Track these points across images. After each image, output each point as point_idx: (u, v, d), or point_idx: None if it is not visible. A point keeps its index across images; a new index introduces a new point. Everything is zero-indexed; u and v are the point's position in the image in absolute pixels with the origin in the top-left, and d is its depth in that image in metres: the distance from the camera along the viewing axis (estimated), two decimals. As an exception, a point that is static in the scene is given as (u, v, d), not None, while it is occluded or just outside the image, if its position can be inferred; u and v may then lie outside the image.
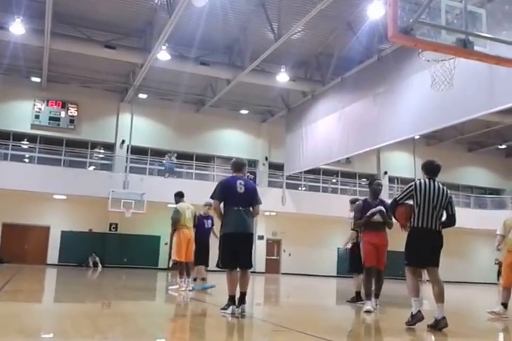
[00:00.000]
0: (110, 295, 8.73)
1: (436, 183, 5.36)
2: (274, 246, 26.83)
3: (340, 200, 26.26)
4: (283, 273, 25.96)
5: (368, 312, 6.51)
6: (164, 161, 23.89)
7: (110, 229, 23.28)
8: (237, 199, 5.77)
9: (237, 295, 5.67)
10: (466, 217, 28.92)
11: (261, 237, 25.92)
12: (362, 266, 7.10)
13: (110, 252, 22.76)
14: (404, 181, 29.31)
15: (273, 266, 26.31)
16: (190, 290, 8.87)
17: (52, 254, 22.39)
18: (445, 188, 5.39)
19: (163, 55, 18.40)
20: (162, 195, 18.89)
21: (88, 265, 22.06)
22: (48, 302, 7.37)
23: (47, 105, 23.12)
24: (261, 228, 25.69)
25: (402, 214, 5.33)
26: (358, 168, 28.53)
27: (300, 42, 19.60)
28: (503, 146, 30.11)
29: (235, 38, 19.69)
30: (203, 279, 8.92)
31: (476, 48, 4.78)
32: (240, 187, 5.79)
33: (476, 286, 22.93)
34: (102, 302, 7.45)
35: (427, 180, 5.37)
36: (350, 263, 8.19)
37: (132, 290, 10.06)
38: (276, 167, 26.05)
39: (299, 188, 27.17)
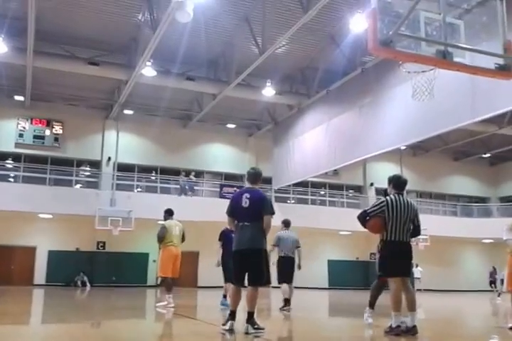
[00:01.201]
0: (98, 316, 8.59)
1: (404, 198, 5.66)
2: (264, 259, 26.65)
3: (329, 212, 26.43)
4: (273, 287, 25.77)
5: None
6: (180, 180, 23.73)
7: (98, 248, 23.02)
8: (241, 214, 5.58)
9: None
10: (453, 225, 29.18)
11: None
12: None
13: (98, 271, 22.46)
14: (391, 192, 29.43)
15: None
16: (222, 307, 8.75)
17: (39, 274, 22.03)
18: (411, 202, 5.72)
19: (148, 70, 18.42)
20: (150, 211, 18.78)
21: (76, 284, 21.73)
22: (35, 324, 7.23)
23: (31, 123, 22.94)
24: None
25: (375, 226, 5.61)
26: (345, 179, 28.62)
27: (285, 56, 19.76)
28: (488, 155, 30.44)
29: (219, 52, 19.79)
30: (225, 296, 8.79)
31: (456, 59, 4.83)
32: (245, 201, 5.56)
33: (466, 294, 22.91)
34: (89, 322, 7.32)
35: (396, 196, 5.66)
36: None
37: (121, 309, 9.91)
38: (264, 181, 25.83)
39: (288, 201, 27.15)
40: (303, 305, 13.06)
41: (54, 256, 22.33)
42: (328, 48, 18.92)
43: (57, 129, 23.29)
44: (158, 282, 10.71)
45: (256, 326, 5.35)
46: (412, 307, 5.45)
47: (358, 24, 15.51)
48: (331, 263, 27.70)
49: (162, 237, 9.05)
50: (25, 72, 18.66)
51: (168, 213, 9.45)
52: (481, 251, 28.78)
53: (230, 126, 26.23)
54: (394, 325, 5.36)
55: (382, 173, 29.47)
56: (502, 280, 26.44)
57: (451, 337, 5.63)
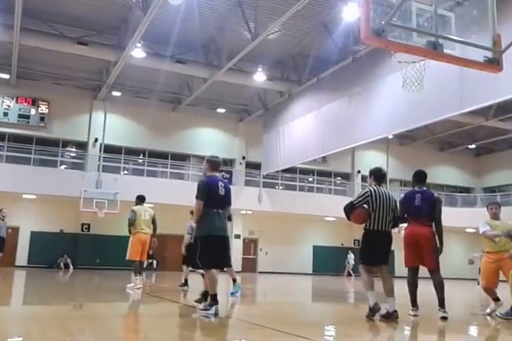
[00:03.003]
0: (80, 297, 8.63)
1: (384, 189, 5.96)
2: (250, 245, 26.87)
3: (316, 199, 26.60)
4: (260, 272, 26.01)
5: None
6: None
7: (82, 230, 22.96)
8: (217, 201, 5.76)
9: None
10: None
11: (237, 236, 25.92)
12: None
13: (82, 253, 22.43)
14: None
15: (250, 265, 26.34)
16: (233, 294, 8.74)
17: (22, 256, 21.91)
18: (391, 193, 6.00)
19: (137, 52, 18.23)
20: (136, 194, 18.72)
21: (59, 266, 21.69)
22: (16, 305, 7.25)
23: (16, 102, 22.58)
24: (237, 227, 25.68)
25: (359, 217, 5.80)
26: (333, 166, 28.76)
27: (277, 42, 19.65)
28: (473, 146, 30.76)
29: (211, 36, 19.61)
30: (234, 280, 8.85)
31: (446, 51, 4.86)
32: (221, 189, 5.80)
33: (448, 282, 23.28)
34: (71, 304, 7.36)
35: (377, 187, 5.93)
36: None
37: (103, 292, 9.95)
38: (253, 166, 26.05)
39: (276, 187, 27.25)
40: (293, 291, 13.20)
41: (37, 237, 22.23)
42: (320, 36, 18.84)
43: (43, 109, 22.97)
44: (144, 265, 10.78)
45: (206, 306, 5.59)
46: (390, 293, 5.73)
47: (351, 13, 15.47)
48: (316, 249, 27.96)
49: (133, 220, 9.47)
50: (12, 50, 18.31)
51: (140, 199, 9.84)
52: (464, 241, 29.18)
53: (220, 110, 26.12)
54: (371, 304, 5.64)
55: (369, 161, 29.63)
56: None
57: (429, 321, 5.76)
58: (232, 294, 8.54)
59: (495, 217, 7.17)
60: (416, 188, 6.30)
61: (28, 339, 3.85)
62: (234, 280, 8.65)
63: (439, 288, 5.94)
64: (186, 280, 10.15)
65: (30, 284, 11.94)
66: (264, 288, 14.52)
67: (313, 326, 5.48)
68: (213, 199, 5.71)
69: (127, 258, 9.83)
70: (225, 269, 5.95)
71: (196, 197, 5.74)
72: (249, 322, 5.51)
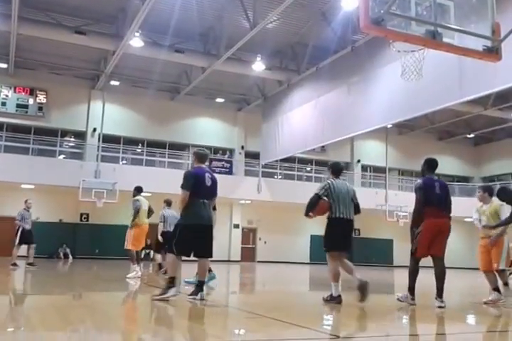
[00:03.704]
0: (80, 287, 8.67)
1: (342, 181, 6.41)
2: (249, 234, 26.96)
3: (315, 188, 26.57)
4: (259, 261, 26.12)
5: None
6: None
7: (81, 220, 23.00)
8: (204, 192, 5.91)
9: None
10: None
11: (236, 226, 26.02)
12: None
13: (81, 243, 22.50)
14: (376, 169, 29.71)
15: (248, 254, 26.45)
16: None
17: (22, 246, 21.92)
18: (349, 184, 6.50)
19: (136, 41, 18.13)
20: (135, 184, 18.73)
21: (58, 256, 21.75)
22: (16, 295, 7.27)
23: (14, 92, 22.51)
24: (236, 216, 25.75)
25: (322, 208, 6.20)
26: (332, 156, 28.69)
27: (275, 31, 19.54)
28: (472, 135, 30.74)
29: (210, 25, 19.50)
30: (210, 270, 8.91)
31: (445, 40, 4.85)
32: (208, 180, 5.95)
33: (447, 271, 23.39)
34: (71, 293, 7.39)
35: (335, 180, 6.34)
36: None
37: (102, 281, 10.00)
38: (252, 155, 26.05)
39: (275, 177, 27.27)
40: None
41: (36, 227, 21.97)
42: (319, 25, 18.73)
43: (41, 98, 22.90)
44: (142, 256, 10.92)
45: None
46: (351, 272, 6.14)
47: (350, 2, 15.38)
48: (314, 238, 28.04)
49: (138, 210, 9.76)
50: (9, 39, 18.24)
51: (137, 190, 10.08)
52: (463, 230, 29.28)
53: (219, 100, 26.05)
54: (335, 294, 6.00)
55: (368, 151, 29.73)
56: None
57: (428, 310, 5.81)
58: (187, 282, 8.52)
59: (483, 201, 7.16)
60: (430, 176, 6.29)
61: (28, 329, 3.87)
62: (209, 270, 8.46)
63: (441, 278, 5.97)
64: (160, 265, 10.96)
65: (30, 274, 12.00)
66: (262, 278, 14.60)
67: (312, 315, 5.52)
68: (200, 189, 5.86)
69: (128, 247, 9.98)
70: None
71: (182, 187, 5.86)
72: (248, 311, 5.55)
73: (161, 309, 5.44)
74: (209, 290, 7.68)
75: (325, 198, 6.16)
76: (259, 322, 4.61)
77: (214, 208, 6.59)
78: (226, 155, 26.24)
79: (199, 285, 5.85)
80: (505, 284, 7.34)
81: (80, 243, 22.49)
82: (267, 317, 4.82)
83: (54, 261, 19.31)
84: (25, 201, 13.00)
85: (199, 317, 5.05)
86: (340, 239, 6.16)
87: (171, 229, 10.07)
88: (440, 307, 5.83)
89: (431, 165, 6.43)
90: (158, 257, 11.29)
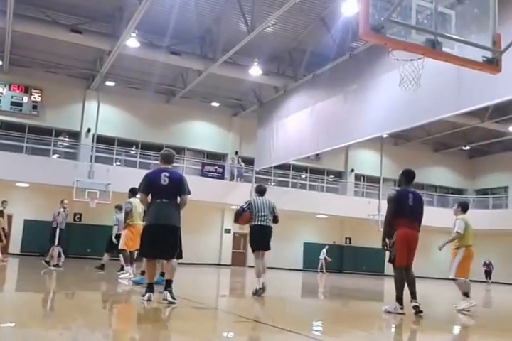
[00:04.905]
0: (72, 286, 8.60)
1: (263, 199, 7.97)
2: (240, 239, 26.88)
3: (308, 196, 26.62)
4: (249, 266, 26.03)
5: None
6: (229, 167, 25.15)
7: (74, 219, 22.88)
8: (160, 191, 5.79)
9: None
10: (429, 215, 29.54)
11: (228, 231, 25.96)
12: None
13: (74, 242, 22.35)
14: (370, 179, 29.74)
15: (239, 259, 26.37)
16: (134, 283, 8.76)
17: (15, 243, 21.84)
18: (269, 200, 8.00)
19: (132, 42, 18.11)
20: (128, 186, 18.67)
21: (47, 255, 21.57)
22: (9, 292, 7.21)
23: (9, 89, 22.41)
24: (228, 221, 25.66)
25: (245, 219, 7.84)
26: (326, 164, 28.79)
27: (273, 35, 19.59)
28: (467, 148, 30.83)
29: (207, 28, 19.53)
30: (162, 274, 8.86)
31: (444, 49, 4.85)
32: (164, 179, 5.81)
33: (436, 282, 23.43)
34: (63, 292, 7.33)
35: (257, 197, 8.00)
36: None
37: (94, 281, 9.93)
38: (246, 161, 26.03)
39: (268, 183, 27.23)
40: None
41: (30, 226, 22.15)
42: (318, 31, 18.78)
43: (36, 97, 22.82)
44: (135, 256, 10.87)
45: (174, 297, 5.58)
46: (261, 273, 7.65)
47: (350, 8, 15.42)
48: (307, 246, 28.02)
49: (129, 212, 9.82)
50: (4, 36, 18.13)
51: (132, 192, 10.05)
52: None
53: (215, 104, 26.04)
54: (258, 287, 7.43)
55: (363, 160, 29.79)
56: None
57: (415, 319, 5.81)
58: (135, 281, 8.55)
59: (455, 214, 7.94)
60: (406, 188, 6.42)
61: (20, 326, 3.83)
62: (162, 274, 8.12)
63: (413, 284, 6.30)
64: (103, 265, 11.90)
65: (23, 272, 11.92)
66: (253, 283, 14.53)
67: (301, 321, 5.49)
68: (154, 190, 5.81)
69: (122, 247, 10.03)
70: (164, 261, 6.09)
71: (137, 190, 6.17)
72: (237, 315, 5.52)
73: (152, 310, 5.40)
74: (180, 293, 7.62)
75: (248, 211, 7.77)
76: (248, 325, 4.58)
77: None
78: (237, 162, 26.07)
79: (149, 286, 5.74)
80: (464, 294, 7.56)
81: (72, 242, 22.32)
82: (257, 321, 4.79)
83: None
84: (62, 201, 13.17)
85: (189, 319, 5.01)
86: (259, 241, 7.81)
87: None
88: (416, 306, 6.05)
89: (408, 176, 6.58)
90: (105, 256, 12.20)
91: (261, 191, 8.26)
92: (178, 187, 5.83)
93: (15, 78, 22.45)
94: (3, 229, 14.78)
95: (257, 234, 7.80)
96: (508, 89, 10.54)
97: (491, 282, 26.79)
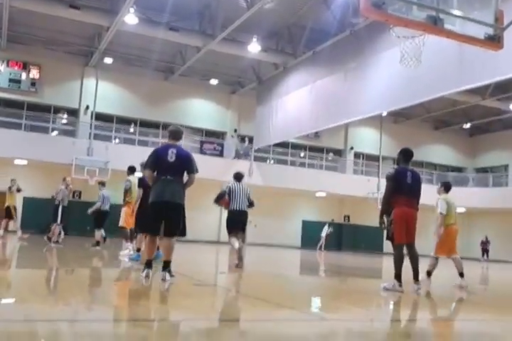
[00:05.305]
0: (72, 263, 8.67)
1: (241, 185, 8.53)
2: (239, 217, 27.00)
3: (307, 174, 26.66)
4: (248, 244, 26.23)
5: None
6: (238, 147, 25.33)
7: (73, 197, 22.89)
8: (166, 168, 5.68)
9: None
10: (428, 193, 29.71)
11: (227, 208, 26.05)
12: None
13: (73, 220, 22.44)
14: (369, 157, 29.75)
15: (238, 237, 26.53)
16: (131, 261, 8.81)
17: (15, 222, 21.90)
18: (246, 186, 8.61)
19: (130, 18, 17.89)
20: (127, 163, 18.68)
21: (49, 232, 21.70)
22: (9, 269, 7.27)
23: (7, 66, 22.21)
24: (227, 199, 25.69)
25: (224, 202, 8.48)
26: (325, 142, 28.73)
27: (273, 12, 19.28)
28: (468, 126, 30.71)
29: (206, 4, 19.25)
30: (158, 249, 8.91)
31: (446, 26, 4.80)
32: (171, 156, 5.67)
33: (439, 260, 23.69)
34: (63, 269, 7.40)
35: (235, 183, 8.50)
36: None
37: (94, 258, 10.01)
38: (244, 139, 25.95)
39: (267, 161, 27.25)
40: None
41: (29, 203, 22.18)
42: (318, 7, 18.50)
43: (34, 73, 22.63)
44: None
45: (172, 274, 5.56)
46: (241, 253, 8.33)
47: (351, -16, 15.16)
48: (306, 224, 28.18)
49: (128, 189, 9.84)
50: (2, 12, 17.91)
51: (131, 170, 10.17)
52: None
53: (213, 81, 25.83)
54: (238, 261, 8.27)
55: (362, 138, 29.72)
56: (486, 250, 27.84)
57: (412, 297, 5.90)
58: (131, 258, 8.62)
59: (439, 194, 8.09)
60: (404, 166, 6.47)
61: (20, 301, 3.87)
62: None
63: (416, 262, 6.34)
64: (98, 242, 11.97)
65: (22, 249, 12.01)
66: (251, 260, 14.67)
67: (300, 298, 5.55)
68: (161, 166, 5.71)
69: (122, 225, 10.06)
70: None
71: (143, 167, 6.09)
72: (236, 291, 5.58)
73: (151, 286, 5.45)
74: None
75: (227, 196, 8.39)
76: (247, 302, 4.64)
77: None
78: (245, 143, 25.98)
79: (147, 263, 5.73)
80: (428, 273, 7.71)
81: (71, 220, 22.42)
82: (255, 297, 4.85)
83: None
84: (64, 179, 13.27)
85: (188, 295, 5.07)
86: (235, 224, 8.44)
87: (107, 208, 12.21)
88: (418, 289, 6.14)
89: (406, 155, 6.58)
90: (98, 233, 12.25)
91: (238, 177, 8.74)
92: (184, 164, 5.73)
93: (13, 55, 22.23)
94: (14, 206, 15.15)
95: (234, 218, 8.44)
96: (510, 67, 10.45)
97: (488, 260, 27.05)
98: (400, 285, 6.13)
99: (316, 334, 3.31)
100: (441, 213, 7.61)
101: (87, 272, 7.20)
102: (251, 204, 8.55)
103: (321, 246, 25.28)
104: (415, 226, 6.37)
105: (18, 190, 15.23)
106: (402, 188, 6.26)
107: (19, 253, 10.90)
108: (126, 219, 9.94)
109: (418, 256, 6.40)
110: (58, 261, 9.05)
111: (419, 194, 6.43)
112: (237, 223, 8.46)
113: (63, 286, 5.20)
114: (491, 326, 4.33)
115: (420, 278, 6.48)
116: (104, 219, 12.35)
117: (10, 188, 15.05)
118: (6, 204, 15.00)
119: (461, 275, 7.54)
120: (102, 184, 12.91)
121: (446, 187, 7.98)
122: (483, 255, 27.54)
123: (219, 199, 8.49)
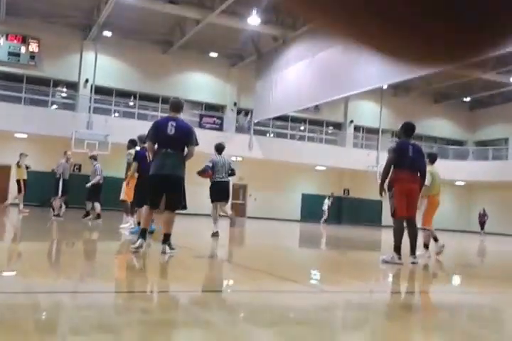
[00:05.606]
0: (73, 235, 8.75)
1: (222, 157, 9.07)
2: (239, 190, 27.13)
3: (307, 147, 26.64)
4: (249, 217, 26.42)
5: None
6: (240, 121, 25.59)
7: (73, 170, 22.92)
8: (166, 141, 5.61)
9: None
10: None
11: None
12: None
13: (73, 193, 22.51)
14: (369, 130, 29.67)
15: (239, 210, 26.69)
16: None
17: (14, 194, 21.98)
18: (226, 158, 9.19)
19: (129, -10, 17.59)
20: (127, 136, 18.61)
21: (51, 205, 21.82)
22: (9, 241, 7.33)
23: (6, 39, 21.99)
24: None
25: (206, 174, 8.91)
26: (325, 115, 28.61)
27: (273, -18, 18.95)
28: (468, 99, 30.52)
29: (206, -26, 18.90)
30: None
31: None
32: (171, 129, 5.59)
33: (439, 233, 23.91)
34: (64, 241, 7.46)
35: (217, 156, 9.04)
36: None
37: (95, 231, 10.09)
38: (244, 112, 25.85)
39: (267, 135, 27.18)
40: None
41: (29, 176, 22.05)
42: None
43: (34, 47, 22.44)
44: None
45: (172, 247, 5.56)
46: (216, 220, 9.05)
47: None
48: (305, 197, 28.31)
49: (130, 163, 9.67)
50: (0, -16, 17.64)
51: (132, 143, 10.06)
52: (453, 192, 29.66)
53: (213, 54, 25.56)
54: (215, 231, 8.83)
55: (362, 111, 29.58)
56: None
57: (414, 267, 5.98)
58: (132, 232, 8.59)
59: None
60: (406, 140, 6.45)
61: (21, 274, 3.92)
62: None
63: (414, 237, 6.36)
64: (88, 212, 12.71)
65: (23, 221, 12.09)
66: (251, 232, 14.80)
67: (300, 270, 5.62)
68: (160, 139, 5.65)
69: (123, 198, 10.10)
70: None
71: (144, 139, 6.24)
72: (236, 264, 5.64)
73: (151, 259, 5.50)
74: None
75: (209, 169, 8.90)
76: (248, 274, 4.69)
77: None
78: (244, 116, 25.91)
79: (141, 233, 5.65)
80: (425, 246, 7.64)
81: (72, 193, 22.50)
82: (256, 269, 4.90)
83: (46, 210, 19.37)
84: (65, 152, 13.35)
85: (187, 267, 5.13)
86: (217, 195, 9.03)
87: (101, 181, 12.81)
88: (413, 263, 6.18)
89: (408, 129, 6.55)
90: (97, 206, 12.60)
91: (219, 149, 9.21)
92: (184, 137, 5.65)
93: (12, 28, 21.99)
94: (24, 180, 15.44)
95: (216, 188, 9.03)
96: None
97: (484, 232, 27.29)
98: (399, 258, 6.20)
99: (316, 305, 3.36)
100: (425, 185, 7.50)
101: (87, 245, 7.27)
102: (232, 172, 9.17)
103: (325, 220, 25.54)
104: (417, 200, 6.39)
105: (27, 168, 15.34)
106: (404, 161, 6.24)
107: (20, 226, 10.97)
108: (127, 192, 9.98)
109: (417, 232, 6.43)
110: (58, 234, 9.12)
111: (422, 167, 6.43)
112: (220, 193, 9.03)
113: (63, 259, 5.26)
114: (489, 298, 4.39)
115: (418, 252, 6.54)
116: (100, 191, 12.57)
117: (18, 163, 15.13)
118: (16, 178, 15.12)
119: (426, 246, 7.57)
120: (94, 158, 13.27)
121: (432, 159, 7.94)
122: (481, 228, 27.78)
123: (201, 173, 8.90)
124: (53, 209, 13.28)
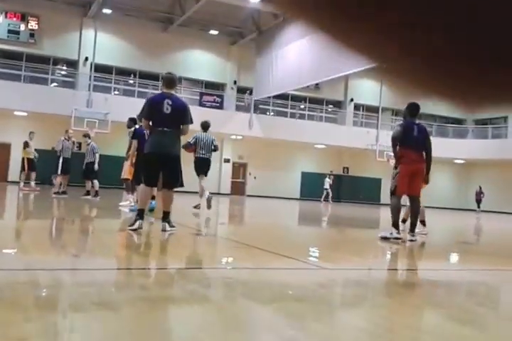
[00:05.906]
0: (73, 213, 8.79)
1: (206, 134, 9.72)
2: (239, 169, 27.17)
3: (307, 126, 26.56)
4: (248, 195, 26.51)
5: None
6: (246, 101, 25.59)
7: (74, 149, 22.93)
8: (162, 119, 5.49)
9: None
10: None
11: (227, 160, 26.16)
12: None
13: (73, 171, 22.54)
14: (369, 109, 29.54)
15: (238, 188, 26.80)
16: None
17: (14, 172, 22.06)
18: (211, 136, 9.77)
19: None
20: (127, 115, 18.52)
21: (52, 183, 21.85)
22: (10, 219, 7.37)
23: (5, 17, 21.79)
24: (227, 151, 25.79)
25: (190, 149, 9.60)
26: (326, 94, 28.45)
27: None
28: (470, 77, 30.21)
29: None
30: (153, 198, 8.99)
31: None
32: (167, 107, 5.46)
33: (436, 210, 24.02)
34: (64, 219, 7.50)
35: (201, 133, 9.67)
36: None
37: (95, 209, 10.14)
38: (244, 91, 25.70)
39: (267, 113, 27.06)
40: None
41: (29, 154, 22.18)
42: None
43: (33, 24, 22.25)
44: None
45: (172, 224, 5.55)
46: (202, 193, 9.73)
47: None
48: (305, 175, 28.37)
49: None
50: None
51: (132, 121, 9.96)
52: (452, 171, 29.71)
53: (213, 32, 25.29)
54: (198, 203, 9.83)
55: (363, 90, 29.40)
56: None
57: (411, 244, 6.02)
58: (132, 209, 8.53)
59: None
60: (411, 120, 6.44)
61: (21, 251, 3.95)
62: (153, 198, 8.17)
63: (416, 215, 6.42)
64: (88, 191, 13.05)
65: (23, 199, 12.13)
66: (251, 210, 14.87)
67: (299, 247, 5.66)
68: (156, 117, 5.53)
69: (125, 177, 10.11)
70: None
71: (138, 117, 5.90)
72: (236, 241, 5.67)
73: (151, 236, 5.54)
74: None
75: (193, 144, 9.55)
76: (247, 252, 4.73)
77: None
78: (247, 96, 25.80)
79: (139, 213, 5.54)
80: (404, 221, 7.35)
81: (72, 171, 22.53)
82: (255, 247, 4.94)
83: (47, 188, 19.41)
84: (66, 131, 13.41)
85: (187, 245, 5.17)
86: (199, 169, 9.74)
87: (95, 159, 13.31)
88: (411, 240, 6.23)
89: (413, 109, 6.56)
90: (95, 183, 13.08)
91: (205, 127, 9.74)
92: (180, 116, 5.55)
93: (11, 5, 21.77)
94: (28, 158, 15.80)
95: (198, 164, 9.75)
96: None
97: (480, 210, 27.45)
98: (398, 232, 6.24)
99: (314, 282, 3.40)
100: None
101: (87, 222, 7.31)
102: (215, 148, 9.81)
103: (326, 198, 25.71)
104: (421, 180, 6.41)
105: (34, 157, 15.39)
106: (409, 141, 6.27)
107: (21, 203, 11.02)
108: (129, 171, 9.96)
109: (418, 210, 6.45)
110: (59, 212, 9.17)
111: (428, 147, 6.41)
112: (201, 168, 9.80)
113: (63, 236, 5.29)
114: (488, 275, 4.43)
115: (417, 229, 6.58)
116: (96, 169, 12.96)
117: (27, 143, 15.14)
118: (22, 156, 15.16)
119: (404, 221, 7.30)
120: (88, 136, 13.60)
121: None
122: (478, 206, 27.96)
123: (186, 148, 9.36)
124: (61, 191, 13.37)
